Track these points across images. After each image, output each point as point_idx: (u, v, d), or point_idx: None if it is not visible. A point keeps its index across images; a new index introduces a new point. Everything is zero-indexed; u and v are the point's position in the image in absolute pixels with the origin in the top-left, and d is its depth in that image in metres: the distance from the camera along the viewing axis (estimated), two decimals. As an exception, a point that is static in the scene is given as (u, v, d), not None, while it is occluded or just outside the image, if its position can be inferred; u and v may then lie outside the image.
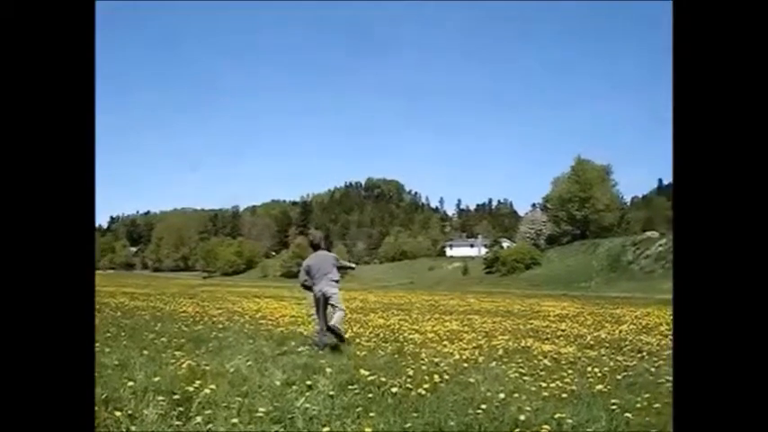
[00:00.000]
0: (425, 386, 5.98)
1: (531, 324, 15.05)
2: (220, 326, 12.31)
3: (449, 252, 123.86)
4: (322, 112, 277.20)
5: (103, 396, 4.98)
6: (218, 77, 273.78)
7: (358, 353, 8.62)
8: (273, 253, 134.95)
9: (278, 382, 6.12)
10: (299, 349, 8.69)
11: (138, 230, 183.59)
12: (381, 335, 11.37)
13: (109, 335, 9.64)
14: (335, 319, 8.90)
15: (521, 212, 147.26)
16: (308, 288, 9.38)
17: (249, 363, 7.23)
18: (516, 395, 5.75)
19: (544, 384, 6.35)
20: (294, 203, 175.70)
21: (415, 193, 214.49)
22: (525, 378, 6.87)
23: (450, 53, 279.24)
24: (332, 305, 9.12)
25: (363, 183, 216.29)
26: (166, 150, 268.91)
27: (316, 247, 9.59)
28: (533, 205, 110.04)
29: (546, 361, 8.34)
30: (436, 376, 6.52)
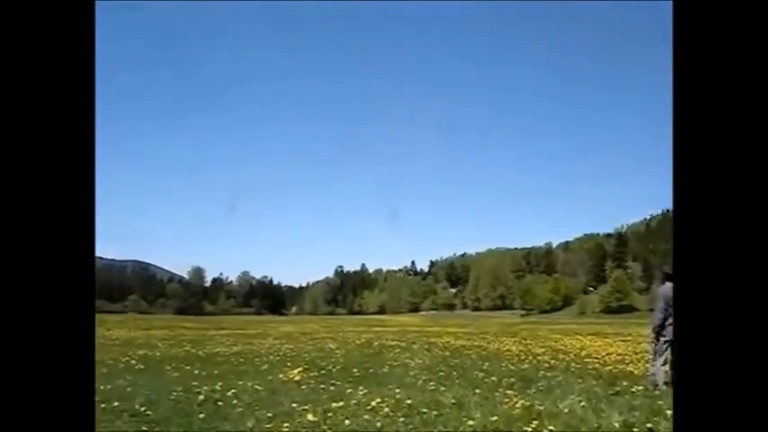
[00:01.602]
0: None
1: None
2: (546, 365, 12.17)
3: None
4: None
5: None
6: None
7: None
8: (591, 288, 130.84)
9: (616, 424, 5.79)
10: (633, 389, 8.16)
11: (455, 272, 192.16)
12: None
13: (442, 374, 10.12)
14: None
15: None
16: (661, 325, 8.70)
17: (583, 403, 6.96)
18: None
19: None
20: (608, 235, 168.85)
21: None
22: None
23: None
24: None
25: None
26: (472, 195, 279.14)
27: (669, 278, 8.92)
28: None
29: None
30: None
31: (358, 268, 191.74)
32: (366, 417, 6.39)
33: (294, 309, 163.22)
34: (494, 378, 9.51)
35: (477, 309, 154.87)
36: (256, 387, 8.63)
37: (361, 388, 8.40)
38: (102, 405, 6.98)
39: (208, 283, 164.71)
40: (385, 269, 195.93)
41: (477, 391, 8.04)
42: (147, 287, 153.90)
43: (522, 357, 14.11)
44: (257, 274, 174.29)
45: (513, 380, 9.34)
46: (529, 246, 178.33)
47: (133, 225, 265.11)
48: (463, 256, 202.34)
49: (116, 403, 7.09)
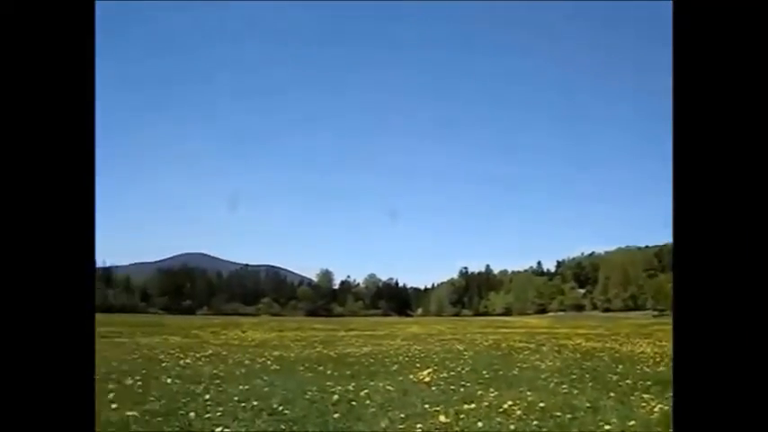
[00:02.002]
0: None
1: None
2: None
3: None
4: None
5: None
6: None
7: None
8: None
9: None
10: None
11: (584, 272, 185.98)
12: None
13: (574, 376, 9.87)
14: None
15: None
16: None
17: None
18: None
19: None
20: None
21: None
22: None
23: None
24: None
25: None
26: (599, 193, 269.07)
27: None
28: None
29: None
30: None
31: (483, 269, 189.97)
32: (498, 419, 6.37)
33: (420, 310, 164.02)
34: (628, 381, 9.18)
35: (607, 309, 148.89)
36: (388, 387, 8.80)
37: (491, 390, 8.36)
38: (242, 404, 7.38)
39: (336, 286, 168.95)
40: (510, 270, 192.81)
41: (612, 394, 7.81)
42: (278, 290, 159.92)
43: (658, 359, 13.49)
44: (383, 276, 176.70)
45: (649, 383, 8.98)
46: (660, 243, 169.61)
47: (264, 231, 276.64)
48: (591, 255, 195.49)
49: (255, 402, 7.46)
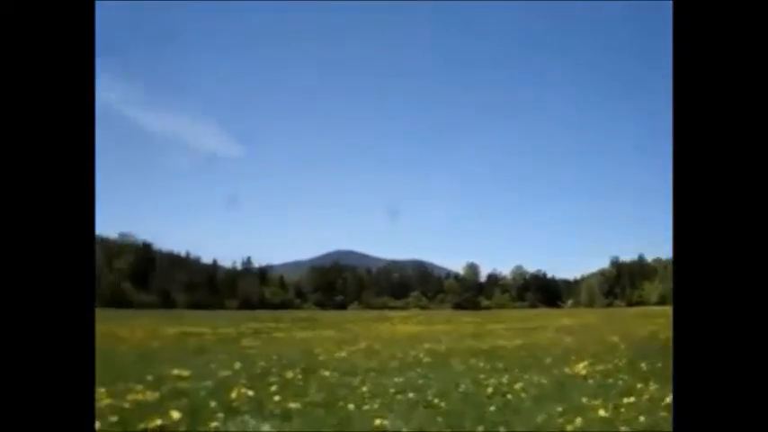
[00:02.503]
0: None
1: None
2: None
3: None
4: None
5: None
6: None
7: None
8: None
9: None
10: None
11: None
12: None
13: None
14: None
15: None
16: None
17: None
18: None
19: None
20: None
21: None
22: None
23: None
24: None
25: None
26: None
27: None
28: None
29: None
30: None
31: (635, 258, 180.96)
32: (662, 414, 6.01)
33: (570, 302, 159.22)
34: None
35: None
36: (542, 381, 8.60)
37: (651, 383, 7.91)
38: (399, 396, 7.49)
39: (483, 279, 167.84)
40: (664, 258, 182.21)
41: None
42: (426, 284, 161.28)
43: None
44: (530, 267, 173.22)
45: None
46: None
47: (410, 227, 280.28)
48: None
49: (410, 395, 7.56)
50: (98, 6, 2.84)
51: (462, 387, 8.16)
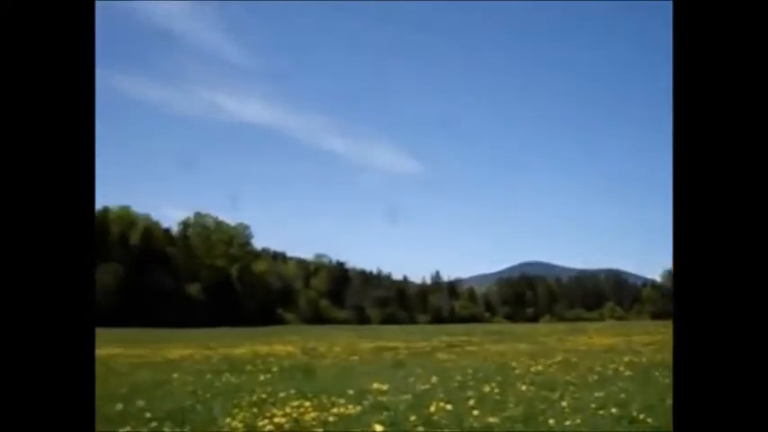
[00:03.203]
0: None
1: None
2: None
3: None
4: None
5: None
6: None
7: None
8: None
9: None
10: None
11: None
12: None
13: None
14: None
15: None
16: None
17: None
18: None
19: None
20: None
21: None
22: None
23: None
24: None
25: None
26: None
27: None
28: None
29: None
30: None
31: None
32: None
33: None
34: None
35: None
36: None
37: None
38: (600, 411, 7.20)
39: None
40: None
41: None
42: (620, 293, 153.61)
43: None
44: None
45: None
46: None
47: (599, 234, 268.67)
48: None
49: (613, 409, 7.22)
50: (98, 6, 2.82)
51: (668, 401, 7.65)
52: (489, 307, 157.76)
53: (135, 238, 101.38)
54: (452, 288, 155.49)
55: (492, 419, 6.76)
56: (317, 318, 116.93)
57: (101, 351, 21.99)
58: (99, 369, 14.31)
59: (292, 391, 9.42)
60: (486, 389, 9.38)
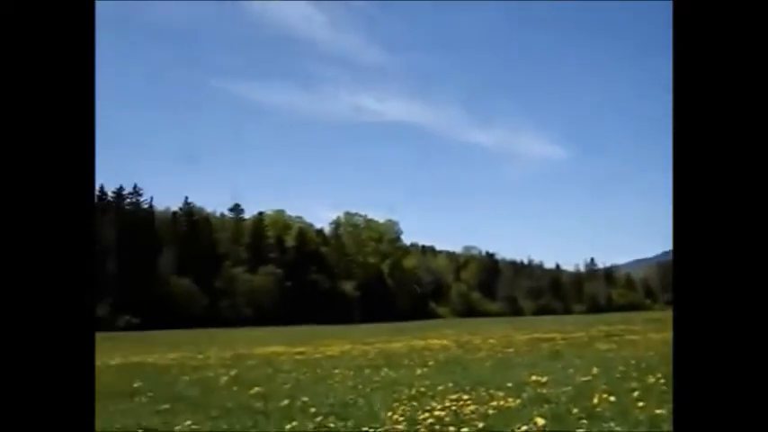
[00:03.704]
0: None
1: None
2: None
3: None
4: None
5: None
6: None
7: None
8: None
9: None
10: None
11: None
12: None
13: None
14: None
15: None
16: None
17: None
18: None
19: None
20: None
21: None
22: None
23: None
24: None
25: None
26: None
27: None
28: None
29: None
30: None
31: None
32: None
33: None
34: None
35: None
36: None
37: None
38: None
39: None
40: None
41: None
42: None
43: None
44: None
45: None
46: None
47: None
48: None
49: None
50: (98, 6, 2.81)
51: None
52: (649, 293, 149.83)
53: (290, 240, 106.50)
54: (608, 275, 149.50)
55: (659, 411, 6.47)
56: (469, 311, 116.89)
57: (265, 350, 23.41)
58: (265, 368, 15.28)
59: (450, 385, 9.47)
60: (651, 379, 8.95)
